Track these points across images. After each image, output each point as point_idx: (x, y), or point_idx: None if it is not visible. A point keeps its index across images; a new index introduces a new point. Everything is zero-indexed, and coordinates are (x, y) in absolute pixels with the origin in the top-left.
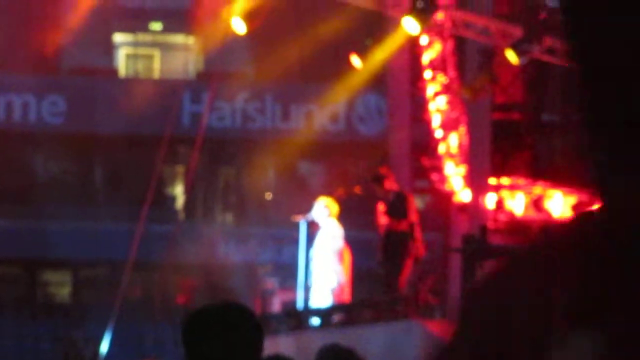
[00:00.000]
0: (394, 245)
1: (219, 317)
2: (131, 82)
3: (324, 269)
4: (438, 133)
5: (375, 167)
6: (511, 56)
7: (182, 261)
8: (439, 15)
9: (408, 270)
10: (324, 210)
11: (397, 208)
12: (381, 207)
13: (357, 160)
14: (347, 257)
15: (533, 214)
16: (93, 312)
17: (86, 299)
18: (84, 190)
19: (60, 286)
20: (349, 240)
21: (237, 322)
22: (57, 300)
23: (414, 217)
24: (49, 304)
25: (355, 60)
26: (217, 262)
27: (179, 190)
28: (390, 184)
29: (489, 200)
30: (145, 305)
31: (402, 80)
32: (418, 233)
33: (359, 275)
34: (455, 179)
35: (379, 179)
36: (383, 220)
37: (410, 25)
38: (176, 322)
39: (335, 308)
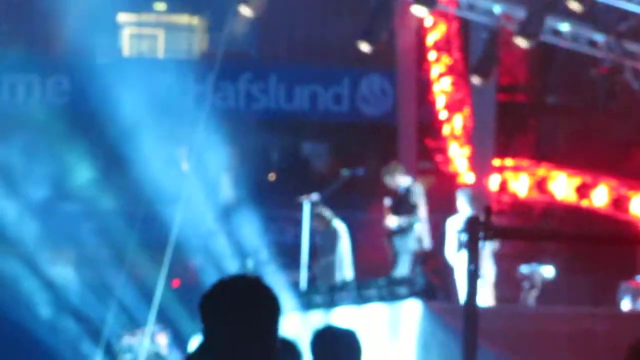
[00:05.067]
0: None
1: (235, 290)
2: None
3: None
4: (442, 114)
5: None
6: (520, 41)
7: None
8: None
9: (406, 264)
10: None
11: (405, 204)
12: (387, 202)
13: (361, 141)
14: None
15: (536, 196)
16: None
17: None
18: None
19: None
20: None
21: (254, 296)
22: None
23: (421, 212)
24: None
25: (364, 45)
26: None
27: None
28: (401, 178)
29: (493, 182)
30: None
31: (408, 61)
32: (423, 228)
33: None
34: (459, 160)
35: (391, 172)
36: (389, 218)
37: (417, 9)
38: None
39: (338, 288)
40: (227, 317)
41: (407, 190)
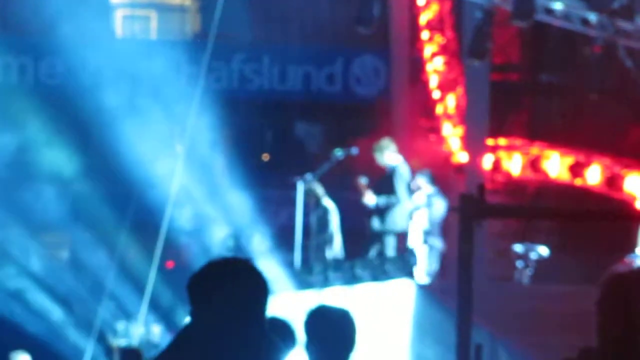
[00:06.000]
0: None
1: (222, 271)
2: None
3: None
4: (435, 94)
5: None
6: (517, 22)
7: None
8: None
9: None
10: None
11: (387, 183)
12: (363, 180)
13: (354, 122)
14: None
15: (530, 175)
16: None
17: None
18: None
19: None
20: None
21: (242, 277)
22: None
23: (402, 194)
24: None
25: (362, 29)
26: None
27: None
28: (390, 156)
29: (486, 161)
30: None
31: (401, 40)
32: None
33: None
34: (452, 139)
35: (381, 149)
36: (368, 196)
37: None
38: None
39: (331, 267)
40: (215, 298)
41: (393, 171)
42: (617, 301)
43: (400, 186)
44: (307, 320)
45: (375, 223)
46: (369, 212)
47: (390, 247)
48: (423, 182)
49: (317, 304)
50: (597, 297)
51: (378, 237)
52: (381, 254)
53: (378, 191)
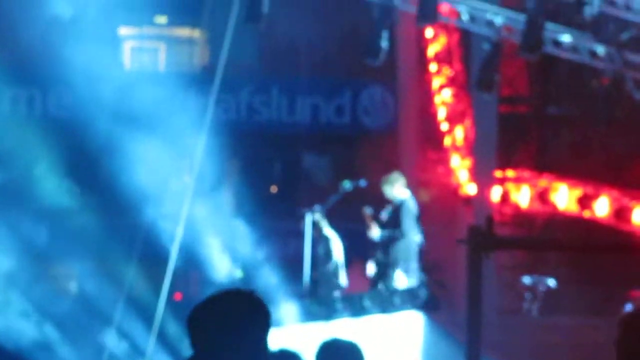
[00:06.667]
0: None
1: (224, 304)
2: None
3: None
4: (444, 126)
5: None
6: (525, 55)
7: None
8: (444, 8)
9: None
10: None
11: (395, 217)
12: (368, 210)
13: (362, 153)
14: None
15: (538, 207)
16: None
17: None
18: None
19: None
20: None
21: (242, 309)
22: None
23: (407, 226)
24: None
25: (370, 61)
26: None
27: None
28: (399, 190)
29: (495, 193)
30: None
31: (409, 73)
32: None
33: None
34: (461, 171)
35: (391, 182)
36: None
37: (419, 19)
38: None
39: (340, 300)
40: (215, 330)
41: (401, 204)
42: (635, 341)
43: (406, 220)
44: (319, 353)
45: (380, 255)
46: (374, 245)
47: (397, 279)
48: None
49: (329, 337)
50: (616, 337)
51: (384, 269)
52: (388, 286)
53: (385, 224)
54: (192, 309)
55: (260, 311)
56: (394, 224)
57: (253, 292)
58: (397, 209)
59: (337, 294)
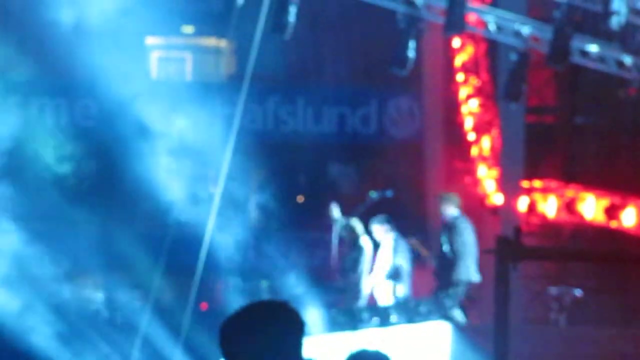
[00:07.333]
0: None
1: (259, 315)
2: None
3: None
4: (471, 136)
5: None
6: (552, 65)
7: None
8: (471, 18)
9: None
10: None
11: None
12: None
13: (389, 163)
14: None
15: (565, 217)
16: None
17: None
18: None
19: None
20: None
21: (279, 319)
22: None
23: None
24: None
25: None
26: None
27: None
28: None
29: (521, 203)
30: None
31: (435, 82)
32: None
33: None
34: (488, 181)
35: (449, 201)
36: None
37: (447, 30)
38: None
39: (366, 309)
40: (251, 341)
41: (453, 224)
42: None
43: (458, 239)
44: None
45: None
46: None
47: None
48: (379, 229)
49: (356, 347)
50: None
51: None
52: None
53: (441, 243)
54: (225, 320)
55: (295, 321)
56: (448, 240)
57: (286, 303)
58: (450, 228)
59: (361, 303)
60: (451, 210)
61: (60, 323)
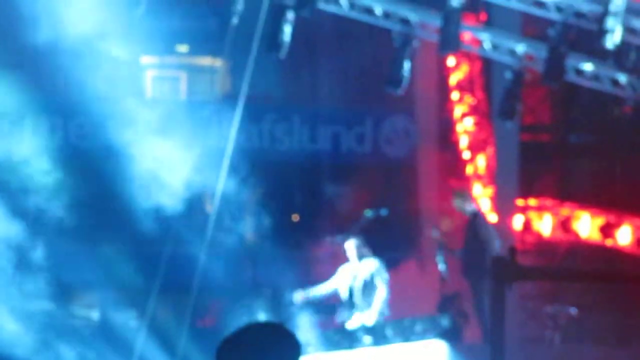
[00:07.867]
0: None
1: (251, 338)
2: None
3: None
4: (466, 154)
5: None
6: (547, 83)
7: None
8: (466, 37)
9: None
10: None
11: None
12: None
13: (384, 182)
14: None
15: (560, 235)
16: None
17: None
18: None
19: None
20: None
21: (275, 342)
22: None
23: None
24: None
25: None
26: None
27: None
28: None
29: (516, 222)
30: None
31: (430, 101)
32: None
33: None
34: (483, 200)
35: (463, 197)
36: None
37: (442, 48)
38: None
39: (362, 329)
40: None
41: (476, 215)
42: None
43: (483, 230)
44: None
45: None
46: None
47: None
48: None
49: None
50: None
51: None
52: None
53: (466, 239)
54: (221, 342)
55: (291, 343)
56: (472, 235)
57: (282, 325)
58: (472, 221)
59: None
60: (470, 206)
61: (54, 342)
